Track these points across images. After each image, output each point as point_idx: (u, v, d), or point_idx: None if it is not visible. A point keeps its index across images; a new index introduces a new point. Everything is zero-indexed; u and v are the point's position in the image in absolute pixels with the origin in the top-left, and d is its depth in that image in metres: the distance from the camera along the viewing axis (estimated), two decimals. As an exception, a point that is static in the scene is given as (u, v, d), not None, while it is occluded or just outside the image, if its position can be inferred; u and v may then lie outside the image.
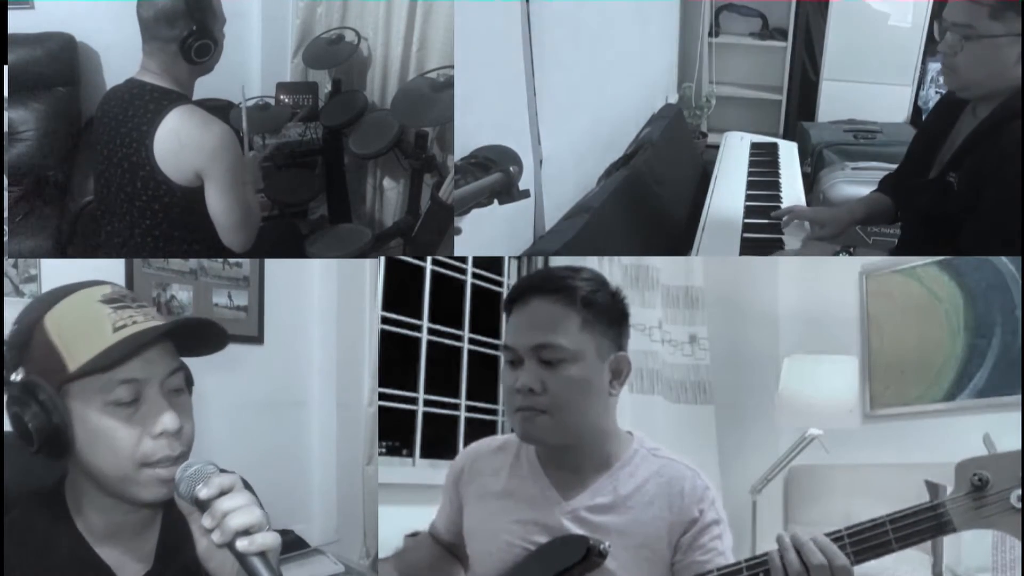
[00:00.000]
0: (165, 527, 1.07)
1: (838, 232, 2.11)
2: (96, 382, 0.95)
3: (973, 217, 1.60)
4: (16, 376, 0.97)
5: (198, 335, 1.03)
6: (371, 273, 2.45)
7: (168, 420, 0.97)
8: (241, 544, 0.90)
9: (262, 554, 0.91)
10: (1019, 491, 0.98)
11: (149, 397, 0.98)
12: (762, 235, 2.36)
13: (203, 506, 0.93)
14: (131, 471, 0.97)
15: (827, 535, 1.06)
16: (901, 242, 1.92)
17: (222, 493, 0.93)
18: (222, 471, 0.96)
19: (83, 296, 0.99)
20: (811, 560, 1.03)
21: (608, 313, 1.20)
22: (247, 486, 1.01)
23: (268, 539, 0.92)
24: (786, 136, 4.18)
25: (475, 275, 2.72)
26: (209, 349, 1.05)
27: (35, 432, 0.95)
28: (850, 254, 2.38)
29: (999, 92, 1.62)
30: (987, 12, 1.57)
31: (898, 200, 1.91)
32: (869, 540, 1.05)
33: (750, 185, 2.91)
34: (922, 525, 1.02)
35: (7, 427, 1.04)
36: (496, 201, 1.63)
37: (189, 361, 1.07)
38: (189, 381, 1.06)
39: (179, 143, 1.77)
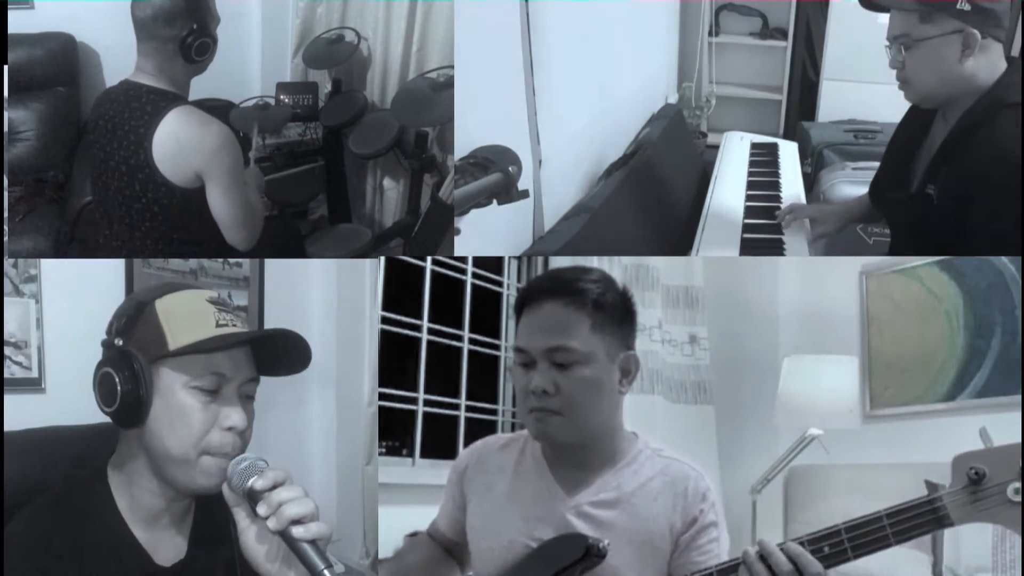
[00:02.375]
0: (198, 518, 1.14)
1: (836, 229, 2.12)
2: (188, 364, 1.05)
3: (963, 233, 1.61)
4: (118, 342, 1.07)
5: (285, 350, 1.12)
6: (371, 273, 2.45)
7: (238, 418, 1.06)
8: (297, 531, 0.98)
9: (313, 542, 0.99)
10: (1016, 484, 0.98)
11: (226, 394, 1.07)
12: (762, 235, 2.36)
13: (256, 496, 1.00)
14: (193, 455, 1.05)
15: (824, 531, 1.06)
16: (892, 250, 1.94)
17: (275, 485, 1.00)
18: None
19: (194, 293, 1.11)
20: (780, 569, 1.03)
21: (617, 314, 1.23)
22: None
23: (322, 528, 1.00)
24: (786, 136, 4.17)
25: (475, 275, 2.72)
26: (289, 367, 1.13)
27: (121, 395, 1.04)
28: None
29: (959, 96, 1.64)
30: (917, 17, 1.61)
31: (882, 212, 1.93)
32: (867, 535, 1.05)
33: (750, 185, 2.91)
34: (919, 519, 1.02)
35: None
36: (495, 201, 1.63)
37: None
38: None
39: (178, 144, 1.77)
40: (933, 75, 1.64)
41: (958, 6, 1.57)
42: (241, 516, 1.03)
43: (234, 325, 1.09)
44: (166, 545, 1.11)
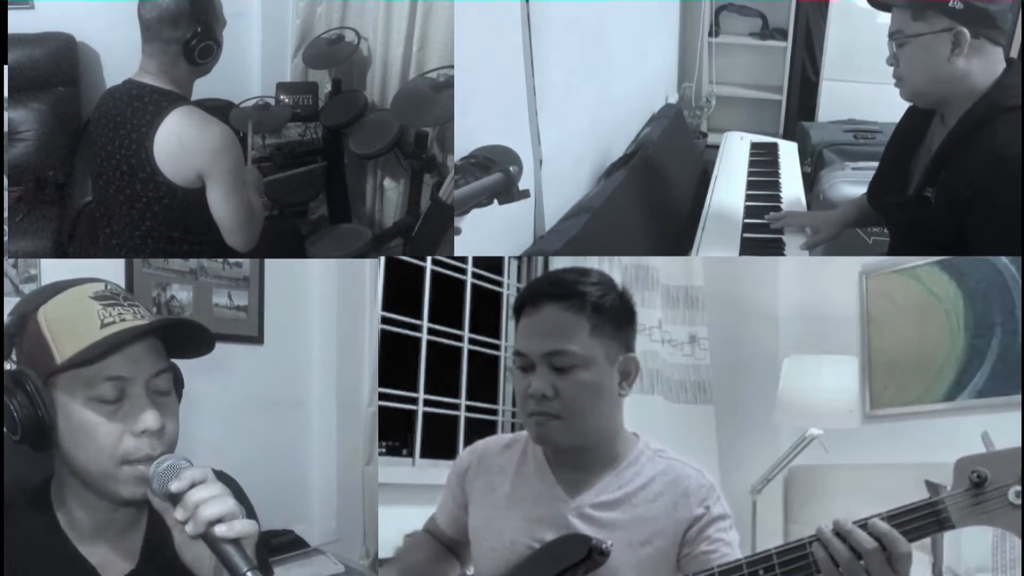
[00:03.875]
0: (151, 525, 1.08)
1: (832, 236, 2.12)
2: (81, 376, 0.97)
3: (962, 236, 1.61)
4: (7, 365, 1.00)
5: (185, 336, 1.04)
6: (371, 273, 2.45)
7: (150, 419, 0.98)
8: (219, 530, 0.91)
9: (236, 542, 0.92)
10: (1017, 487, 0.98)
11: (133, 395, 0.99)
12: (762, 235, 2.36)
13: (176, 499, 0.94)
14: (111, 468, 0.98)
15: None
16: (891, 251, 1.95)
17: (193, 485, 0.93)
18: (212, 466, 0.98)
19: (76, 292, 1.01)
20: (863, 547, 0.99)
21: (616, 317, 1.22)
22: (233, 486, 1.00)
23: (247, 526, 0.92)
24: (786, 136, 4.17)
25: (475, 275, 2.72)
26: (197, 351, 1.05)
27: (20, 422, 0.97)
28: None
29: (953, 96, 1.64)
30: (910, 14, 1.63)
31: (881, 214, 1.93)
32: None
33: (750, 185, 2.91)
34: (921, 521, 1.02)
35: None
36: (496, 201, 1.63)
37: (186, 363, 1.08)
38: (178, 383, 1.07)
39: (179, 144, 1.77)
40: (923, 72, 1.65)
41: (950, 4, 1.58)
42: (171, 520, 0.95)
43: (123, 320, 0.98)
44: (117, 556, 1.06)
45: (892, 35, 1.68)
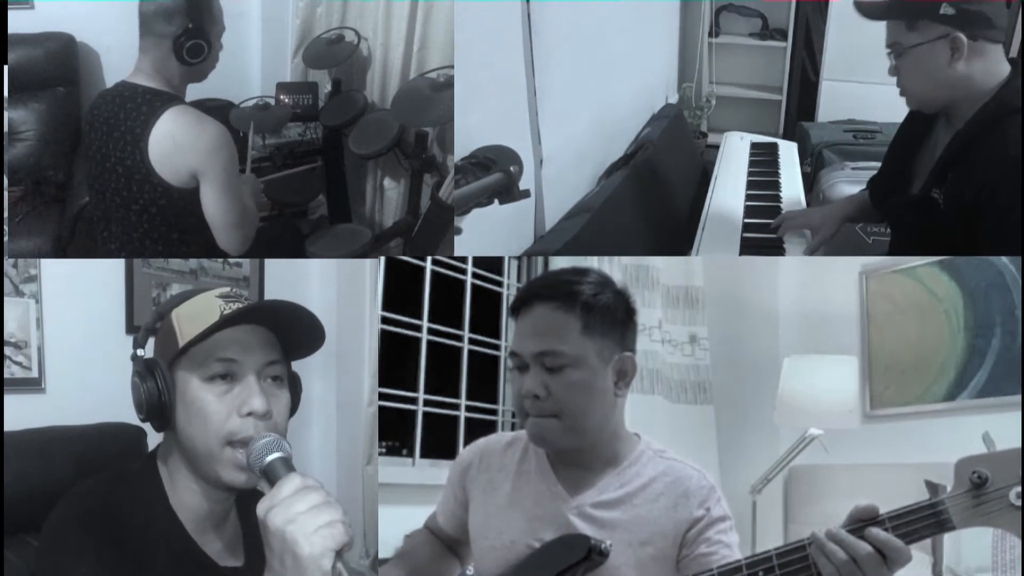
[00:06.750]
0: (244, 521, 1.17)
1: (833, 233, 2.12)
2: (197, 357, 1.07)
3: (972, 238, 1.61)
4: (140, 352, 1.12)
5: (297, 329, 1.12)
6: (371, 273, 2.45)
7: (257, 402, 1.06)
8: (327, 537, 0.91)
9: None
10: (1018, 488, 0.98)
11: (244, 379, 1.08)
12: (762, 235, 2.36)
13: (269, 475, 0.97)
14: (216, 447, 1.06)
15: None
16: (891, 249, 1.94)
17: (287, 463, 0.98)
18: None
19: (208, 294, 1.14)
20: (857, 553, 1.00)
21: (611, 315, 1.21)
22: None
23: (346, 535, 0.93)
24: (786, 136, 4.17)
25: (475, 275, 2.72)
26: (307, 343, 1.15)
27: (145, 403, 1.08)
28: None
29: (958, 100, 1.64)
30: (904, 25, 1.63)
31: (885, 214, 1.93)
32: None
33: (750, 185, 2.91)
34: (922, 523, 1.02)
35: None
36: (496, 201, 1.62)
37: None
38: (293, 382, 1.16)
39: (174, 144, 1.76)
40: (925, 81, 1.64)
41: (941, 11, 1.57)
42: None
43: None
44: (221, 546, 1.13)
45: (890, 47, 1.66)
